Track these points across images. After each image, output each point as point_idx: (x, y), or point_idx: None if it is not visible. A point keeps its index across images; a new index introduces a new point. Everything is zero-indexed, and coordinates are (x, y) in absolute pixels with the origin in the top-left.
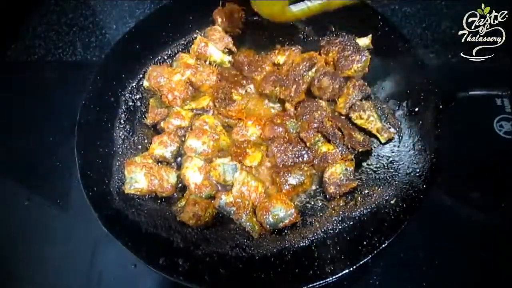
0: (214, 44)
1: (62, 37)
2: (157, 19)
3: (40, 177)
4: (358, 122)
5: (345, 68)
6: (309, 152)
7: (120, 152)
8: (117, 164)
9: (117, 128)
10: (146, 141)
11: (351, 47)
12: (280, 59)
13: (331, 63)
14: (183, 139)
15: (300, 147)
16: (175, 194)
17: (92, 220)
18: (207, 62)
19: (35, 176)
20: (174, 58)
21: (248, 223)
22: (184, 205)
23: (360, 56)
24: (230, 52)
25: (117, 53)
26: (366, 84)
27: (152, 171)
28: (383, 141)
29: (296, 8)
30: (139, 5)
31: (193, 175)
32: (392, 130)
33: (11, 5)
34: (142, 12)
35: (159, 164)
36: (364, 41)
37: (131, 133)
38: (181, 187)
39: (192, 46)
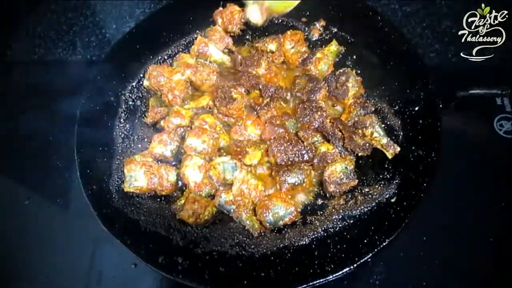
0: (214, 44)
1: (62, 37)
2: (157, 19)
3: (40, 177)
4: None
5: (344, 97)
6: (309, 151)
7: (119, 151)
8: (117, 163)
9: (117, 127)
10: (145, 140)
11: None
12: (272, 47)
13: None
14: (183, 138)
15: (300, 147)
16: (174, 192)
17: (92, 219)
18: (208, 62)
19: (35, 176)
20: (174, 58)
21: (248, 221)
22: (183, 203)
23: (350, 80)
24: (230, 52)
25: (117, 52)
26: (367, 101)
27: (151, 169)
28: (389, 157)
29: None
30: (139, 5)
31: (193, 173)
32: (397, 146)
33: (11, 5)
34: (142, 12)
35: (159, 162)
36: (332, 48)
37: (130, 132)
38: (181, 186)
39: (193, 46)
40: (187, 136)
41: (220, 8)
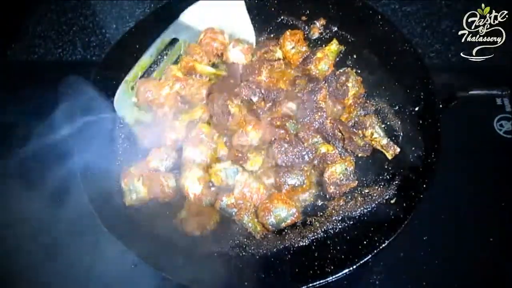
0: (199, 62)
1: (62, 36)
2: (157, 19)
3: (40, 177)
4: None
5: (344, 97)
6: (309, 152)
7: (120, 152)
8: (117, 163)
9: (117, 127)
10: (145, 140)
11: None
12: (279, 54)
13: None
14: (180, 152)
15: (300, 148)
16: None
17: (92, 219)
18: (197, 76)
19: (35, 176)
20: (164, 71)
21: (250, 224)
22: (187, 216)
23: (350, 80)
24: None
25: (117, 52)
26: (367, 101)
27: (150, 179)
28: (389, 157)
29: None
30: (139, 4)
31: (193, 185)
32: (397, 146)
33: (11, 5)
34: (142, 12)
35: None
36: (333, 48)
37: (131, 132)
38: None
39: (180, 62)
40: (185, 147)
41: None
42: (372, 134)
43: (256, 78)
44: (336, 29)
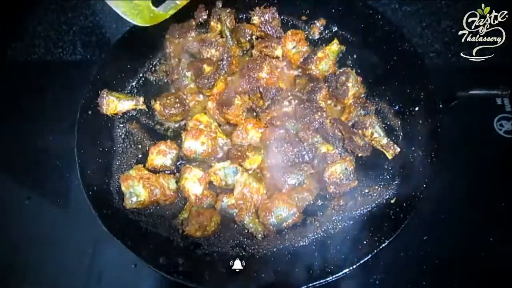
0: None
1: (62, 36)
2: None
3: (40, 177)
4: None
5: (344, 97)
6: (309, 152)
7: (120, 151)
8: (117, 163)
9: (117, 127)
10: (145, 140)
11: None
12: (279, 53)
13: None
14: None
15: (300, 148)
16: (176, 200)
17: (92, 219)
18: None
19: (35, 176)
20: None
21: (251, 225)
22: (188, 218)
23: (350, 80)
24: None
25: (117, 52)
26: (367, 101)
27: (150, 181)
28: (389, 157)
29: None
30: None
31: (193, 186)
32: (397, 146)
33: (11, 4)
34: None
35: (157, 174)
36: (334, 48)
37: (131, 132)
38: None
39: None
40: (184, 139)
41: None
42: (372, 134)
43: (257, 74)
44: (336, 29)
